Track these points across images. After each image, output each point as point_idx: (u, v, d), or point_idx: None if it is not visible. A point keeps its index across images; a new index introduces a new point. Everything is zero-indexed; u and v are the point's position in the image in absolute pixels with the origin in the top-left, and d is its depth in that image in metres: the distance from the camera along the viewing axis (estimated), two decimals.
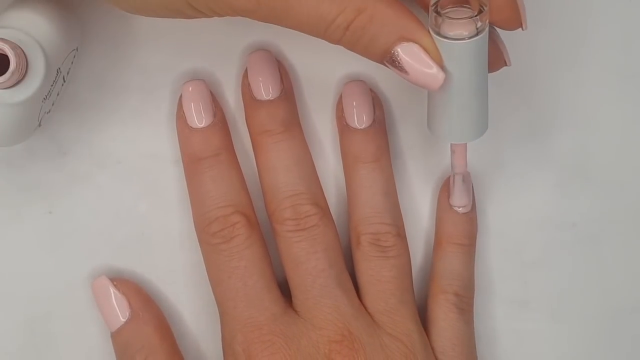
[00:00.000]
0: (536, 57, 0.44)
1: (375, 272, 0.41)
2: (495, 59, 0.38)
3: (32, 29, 0.36)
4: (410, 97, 0.43)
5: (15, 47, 0.35)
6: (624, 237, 0.45)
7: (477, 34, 0.34)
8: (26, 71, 0.36)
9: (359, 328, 0.40)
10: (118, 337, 0.42)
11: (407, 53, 0.34)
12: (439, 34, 0.34)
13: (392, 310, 0.41)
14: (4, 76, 0.35)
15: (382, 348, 0.40)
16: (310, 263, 0.41)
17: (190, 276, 0.43)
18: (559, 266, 0.45)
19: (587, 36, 0.43)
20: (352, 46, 0.35)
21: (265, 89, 0.42)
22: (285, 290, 0.42)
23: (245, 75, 0.42)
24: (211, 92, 0.42)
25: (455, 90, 0.36)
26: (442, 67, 0.35)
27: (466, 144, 0.39)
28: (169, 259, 0.44)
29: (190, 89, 0.42)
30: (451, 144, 0.39)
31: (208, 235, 0.41)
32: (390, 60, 0.35)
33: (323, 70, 0.43)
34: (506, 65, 0.39)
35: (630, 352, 0.46)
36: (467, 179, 0.42)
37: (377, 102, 0.43)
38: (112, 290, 0.42)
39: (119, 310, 0.42)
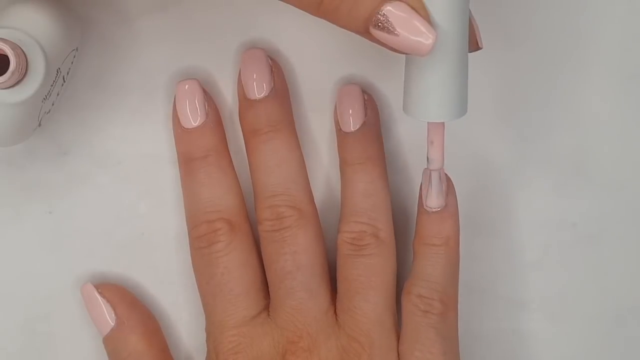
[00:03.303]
0: (536, 57, 0.44)
1: (344, 270, 0.41)
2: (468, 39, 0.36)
3: (32, 29, 0.36)
4: None
5: (15, 47, 0.35)
6: (624, 237, 0.45)
7: None
8: (26, 71, 0.36)
9: (318, 330, 0.41)
10: (107, 343, 0.42)
11: (395, 13, 0.33)
12: None
13: (354, 308, 0.41)
14: (4, 76, 0.35)
15: (338, 350, 0.40)
16: (278, 264, 0.41)
17: (189, 276, 0.43)
18: (559, 266, 0.45)
19: (587, 36, 0.43)
20: (334, 11, 0.33)
21: (254, 88, 0.42)
22: None
23: (239, 74, 0.42)
24: (206, 92, 0.42)
25: (438, 55, 0.34)
26: (432, 27, 0.33)
27: (444, 132, 0.37)
28: (169, 259, 0.44)
29: (182, 88, 0.42)
30: (429, 135, 0.37)
31: (193, 238, 0.42)
32: (376, 23, 0.33)
33: (322, 70, 0.43)
34: (478, 47, 0.38)
35: (630, 352, 0.46)
36: (443, 177, 0.40)
37: (370, 105, 0.43)
38: (97, 297, 0.42)
39: (107, 316, 0.42)
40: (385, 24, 0.33)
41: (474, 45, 0.37)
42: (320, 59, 0.43)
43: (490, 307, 0.45)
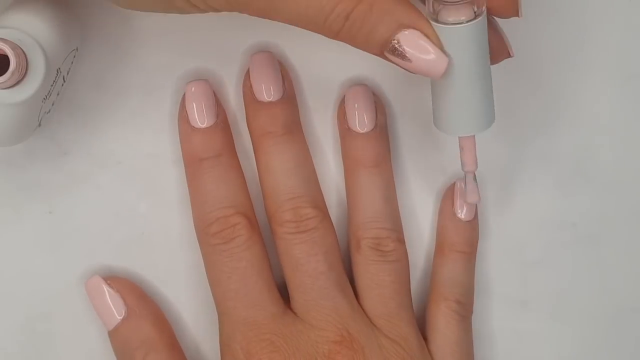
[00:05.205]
0: (536, 57, 0.44)
1: (375, 276, 0.41)
2: (498, 50, 0.38)
3: (32, 29, 0.36)
4: (413, 101, 0.43)
5: (15, 47, 0.35)
6: (624, 237, 0.45)
7: (475, 18, 0.35)
8: (26, 71, 0.36)
9: (357, 329, 0.41)
10: (116, 335, 0.42)
11: (408, 40, 0.34)
12: (437, 20, 0.35)
13: (391, 314, 0.41)
14: (4, 76, 0.35)
15: (381, 349, 0.41)
16: (310, 265, 0.41)
17: (190, 276, 0.43)
18: (559, 266, 0.45)
19: (587, 36, 0.43)
20: (352, 38, 0.34)
21: (267, 91, 0.42)
22: (283, 291, 0.42)
23: (247, 76, 0.42)
24: (214, 93, 0.42)
25: (457, 78, 0.35)
26: (444, 52, 0.35)
27: (474, 139, 0.38)
28: (169, 259, 0.44)
29: (193, 89, 0.42)
30: (459, 140, 0.38)
31: (208, 236, 0.41)
32: (391, 49, 0.34)
33: (325, 72, 0.43)
34: (509, 56, 0.39)
35: (630, 352, 0.46)
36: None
37: (379, 107, 0.43)
38: (105, 288, 0.42)
39: (114, 308, 0.42)
40: (399, 50, 0.34)
41: (505, 54, 0.39)
42: (321, 59, 0.43)
43: (490, 307, 0.45)
